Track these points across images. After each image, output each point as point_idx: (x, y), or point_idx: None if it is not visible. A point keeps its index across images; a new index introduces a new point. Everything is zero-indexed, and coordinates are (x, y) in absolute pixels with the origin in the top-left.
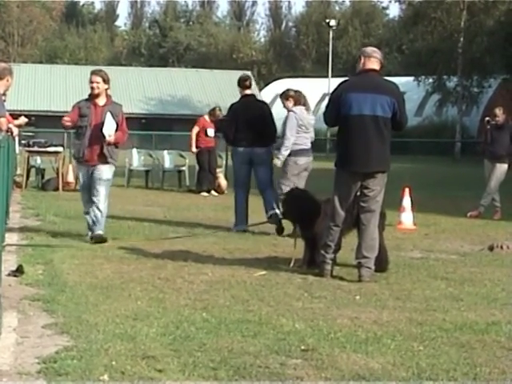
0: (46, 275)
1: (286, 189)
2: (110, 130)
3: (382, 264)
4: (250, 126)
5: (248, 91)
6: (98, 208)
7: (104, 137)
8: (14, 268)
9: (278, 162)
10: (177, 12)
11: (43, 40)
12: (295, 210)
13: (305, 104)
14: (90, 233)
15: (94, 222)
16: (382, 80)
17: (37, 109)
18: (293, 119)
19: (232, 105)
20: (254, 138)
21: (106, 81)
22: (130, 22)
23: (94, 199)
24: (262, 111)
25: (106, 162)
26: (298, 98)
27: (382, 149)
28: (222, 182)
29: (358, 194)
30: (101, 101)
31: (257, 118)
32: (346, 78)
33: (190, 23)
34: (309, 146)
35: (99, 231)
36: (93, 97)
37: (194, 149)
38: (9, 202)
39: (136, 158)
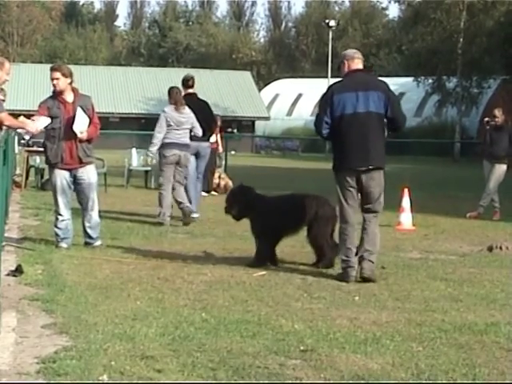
0: (45, 275)
1: (161, 180)
2: (81, 126)
3: (327, 262)
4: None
5: (190, 90)
6: (94, 215)
7: (76, 135)
8: (13, 268)
9: (148, 158)
10: (176, 12)
11: (43, 40)
12: (236, 206)
13: (176, 103)
14: (62, 240)
15: (88, 228)
16: (370, 77)
17: (36, 108)
18: (161, 118)
19: None
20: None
21: (66, 75)
22: (130, 22)
23: (88, 206)
24: (203, 108)
25: (87, 163)
26: (175, 97)
27: (378, 144)
28: (229, 182)
29: (360, 196)
30: (68, 97)
31: (198, 114)
32: (334, 82)
33: (190, 23)
34: (181, 141)
35: (98, 241)
36: (57, 94)
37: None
38: (8, 201)
39: (135, 158)
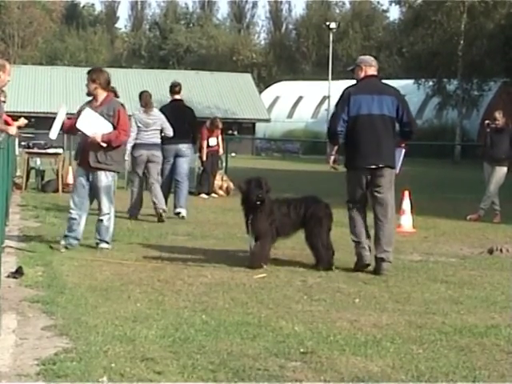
0: (45, 277)
1: (133, 177)
2: (86, 128)
3: (325, 264)
4: (176, 126)
5: (177, 96)
6: (102, 218)
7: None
8: (13, 269)
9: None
10: (177, 14)
11: (43, 42)
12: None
13: (146, 105)
14: (63, 238)
15: (98, 230)
16: (384, 84)
17: (37, 110)
18: (131, 120)
19: (162, 107)
20: (179, 136)
21: (94, 80)
22: (131, 24)
23: (99, 209)
24: (187, 114)
25: (97, 168)
26: (144, 100)
27: (389, 145)
28: (231, 184)
29: (370, 193)
30: (97, 101)
31: (182, 119)
32: (350, 85)
33: (191, 25)
34: (149, 141)
35: (103, 244)
36: (91, 99)
37: (204, 157)
38: (8, 203)
39: None
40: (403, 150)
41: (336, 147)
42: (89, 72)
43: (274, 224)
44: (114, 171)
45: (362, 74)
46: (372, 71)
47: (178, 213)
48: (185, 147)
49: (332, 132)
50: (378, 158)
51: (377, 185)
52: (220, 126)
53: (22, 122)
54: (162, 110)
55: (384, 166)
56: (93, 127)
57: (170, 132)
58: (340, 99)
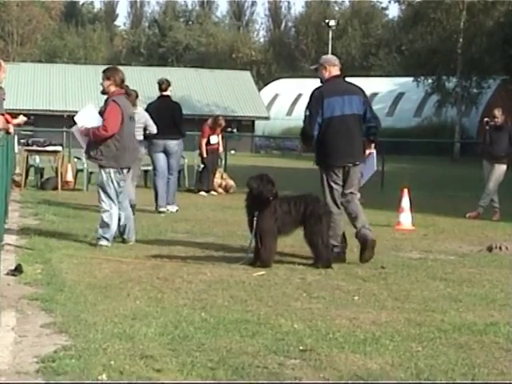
0: (44, 274)
1: None
2: (81, 120)
3: (324, 262)
4: (163, 121)
5: (165, 93)
6: (103, 214)
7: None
8: (12, 267)
9: None
10: (176, 12)
11: (42, 39)
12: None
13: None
14: (100, 239)
15: (99, 227)
16: (349, 83)
17: (36, 108)
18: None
19: (149, 104)
20: (166, 131)
21: (108, 78)
22: (130, 22)
23: (99, 203)
24: (174, 110)
25: (96, 163)
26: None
27: (360, 142)
28: (229, 182)
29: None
30: (109, 98)
31: (169, 115)
32: (318, 86)
33: (190, 23)
34: None
35: (104, 241)
36: None
37: (205, 155)
38: (8, 201)
39: None
40: (375, 153)
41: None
42: (104, 71)
43: (277, 222)
44: (105, 167)
45: (327, 74)
46: (336, 71)
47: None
48: (173, 143)
49: (309, 135)
50: (352, 156)
51: (350, 181)
52: (223, 124)
53: (22, 119)
54: (149, 106)
55: (358, 163)
56: (86, 120)
57: (153, 129)
58: (313, 102)
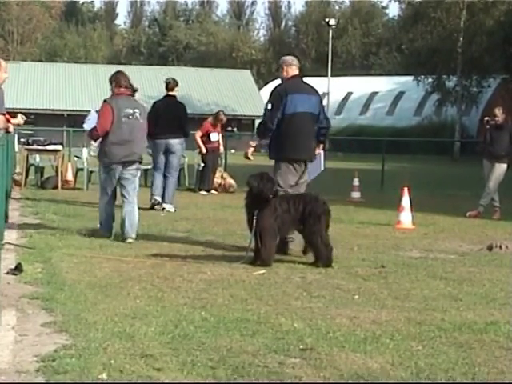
0: (44, 273)
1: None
2: (89, 125)
3: (325, 261)
4: (166, 121)
5: (171, 92)
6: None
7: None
8: (12, 266)
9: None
10: (176, 11)
11: (43, 38)
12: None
13: None
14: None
15: None
16: (306, 83)
17: (36, 107)
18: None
19: (155, 103)
20: (168, 130)
21: (110, 81)
22: (130, 21)
23: None
24: (179, 110)
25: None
26: None
27: (313, 141)
28: (230, 181)
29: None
30: None
31: (173, 115)
32: (279, 84)
33: (190, 22)
34: None
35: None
36: None
37: (203, 150)
38: (8, 200)
39: None
40: (322, 153)
41: (257, 141)
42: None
43: (276, 221)
44: (100, 162)
45: (285, 74)
46: (293, 71)
47: (155, 205)
48: (175, 142)
49: (267, 128)
50: (308, 153)
51: (302, 176)
52: (224, 119)
53: (20, 119)
54: (154, 104)
55: (310, 160)
56: (91, 124)
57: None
58: (275, 97)
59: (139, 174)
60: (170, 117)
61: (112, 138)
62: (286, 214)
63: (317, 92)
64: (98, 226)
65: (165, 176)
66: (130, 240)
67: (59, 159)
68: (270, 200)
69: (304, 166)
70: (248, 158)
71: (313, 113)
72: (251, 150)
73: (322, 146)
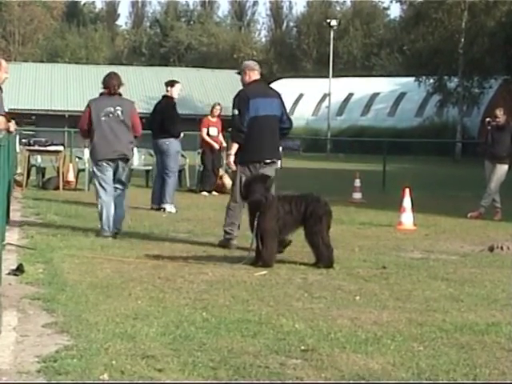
0: (46, 274)
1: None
2: None
3: (326, 261)
4: (154, 121)
5: (165, 93)
6: None
7: None
8: (14, 267)
9: None
10: (178, 11)
11: (44, 39)
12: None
13: None
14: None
15: None
16: (268, 86)
17: (37, 108)
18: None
19: (156, 104)
20: (155, 131)
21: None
22: (131, 22)
23: None
24: (163, 109)
25: None
26: None
27: (278, 141)
28: (227, 181)
29: None
30: None
31: (159, 114)
32: (243, 88)
33: (191, 23)
34: None
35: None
36: None
37: (216, 146)
38: (9, 200)
39: (136, 158)
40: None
41: (237, 146)
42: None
43: (278, 222)
44: (91, 160)
45: (247, 78)
46: (255, 75)
47: (159, 208)
48: (160, 142)
49: (240, 131)
50: (271, 153)
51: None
52: (218, 109)
53: (12, 126)
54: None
55: (275, 160)
56: None
57: None
58: (240, 101)
59: (127, 172)
60: (157, 117)
61: (94, 137)
62: (287, 215)
63: (278, 95)
64: (99, 226)
65: (163, 177)
66: (108, 237)
67: (60, 160)
68: (270, 202)
69: (267, 167)
70: (231, 168)
71: (275, 115)
72: (232, 158)
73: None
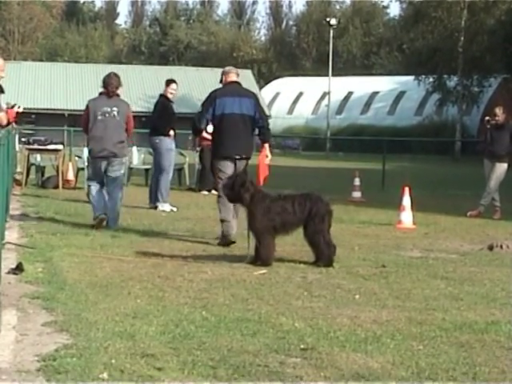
0: (45, 273)
1: None
2: None
3: (326, 261)
4: (149, 120)
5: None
6: None
7: None
8: (13, 266)
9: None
10: (177, 10)
11: (43, 38)
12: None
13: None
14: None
15: None
16: (242, 88)
17: (37, 106)
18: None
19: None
20: (150, 130)
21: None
22: (131, 20)
23: None
24: (155, 108)
25: None
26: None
27: (248, 139)
28: None
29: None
30: None
31: (152, 114)
32: (215, 89)
33: (191, 21)
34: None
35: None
36: None
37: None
38: (9, 199)
39: (136, 157)
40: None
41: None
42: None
43: (274, 221)
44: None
45: (223, 81)
46: (230, 78)
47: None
48: (152, 140)
49: (196, 127)
50: (239, 150)
51: (237, 170)
52: None
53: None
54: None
55: (244, 157)
56: None
57: None
58: (207, 101)
59: (122, 171)
60: (152, 115)
61: (90, 134)
62: (288, 213)
63: (252, 95)
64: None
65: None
66: (103, 218)
67: (60, 159)
68: (257, 199)
69: (237, 163)
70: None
71: (245, 114)
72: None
73: (266, 145)
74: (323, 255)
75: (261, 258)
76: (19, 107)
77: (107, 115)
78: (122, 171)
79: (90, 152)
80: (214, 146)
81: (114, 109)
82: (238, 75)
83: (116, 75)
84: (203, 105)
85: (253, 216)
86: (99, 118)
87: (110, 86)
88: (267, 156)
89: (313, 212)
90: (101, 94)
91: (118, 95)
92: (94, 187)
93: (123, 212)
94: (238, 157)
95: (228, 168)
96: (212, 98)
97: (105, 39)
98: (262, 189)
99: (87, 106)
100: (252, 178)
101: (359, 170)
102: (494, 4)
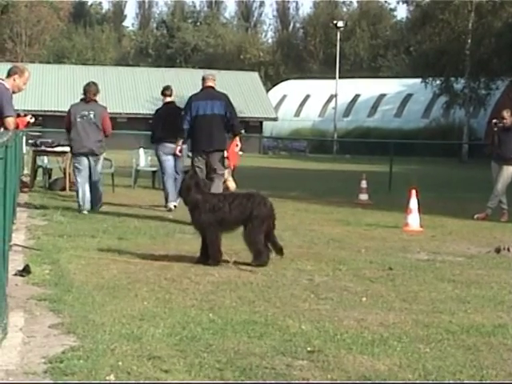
0: (52, 275)
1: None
2: None
3: (259, 259)
4: (171, 126)
5: (168, 99)
6: None
7: None
8: (20, 268)
9: None
10: (184, 12)
11: (51, 40)
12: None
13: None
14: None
15: None
16: (216, 92)
17: (44, 109)
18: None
19: (157, 110)
20: (174, 136)
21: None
22: (138, 23)
23: None
24: (177, 114)
25: None
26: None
27: (220, 135)
28: (231, 184)
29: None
30: None
31: (172, 119)
32: (193, 94)
33: (198, 24)
34: None
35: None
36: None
37: None
38: (16, 201)
39: (143, 159)
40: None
41: (182, 140)
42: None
43: (216, 217)
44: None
45: (202, 85)
46: (206, 83)
47: (169, 208)
48: (173, 146)
49: (181, 128)
50: (210, 145)
51: (210, 162)
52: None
53: (29, 119)
54: (157, 111)
55: (217, 149)
56: None
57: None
58: (187, 104)
59: (100, 164)
60: (175, 122)
61: (71, 134)
62: (229, 213)
63: (223, 97)
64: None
65: (175, 178)
66: (84, 212)
67: (67, 161)
68: (202, 199)
69: (209, 156)
70: (177, 155)
71: (216, 114)
72: (178, 148)
73: (237, 138)
74: (259, 256)
75: (211, 257)
76: (31, 118)
77: (85, 118)
78: (100, 166)
79: (71, 149)
80: (191, 142)
81: (91, 112)
82: (214, 80)
83: (94, 84)
84: (184, 108)
85: (194, 214)
86: (78, 120)
87: (88, 93)
88: (237, 145)
89: (253, 212)
90: (81, 99)
91: (95, 101)
92: (82, 181)
93: (130, 214)
94: (211, 149)
95: (201, 159)
96: (189, 102)
97: (112, 41)
98: (207, 191)
99: (69, 110)
100: (201, 180)
101: (366, 172)
102: (501, 6)
